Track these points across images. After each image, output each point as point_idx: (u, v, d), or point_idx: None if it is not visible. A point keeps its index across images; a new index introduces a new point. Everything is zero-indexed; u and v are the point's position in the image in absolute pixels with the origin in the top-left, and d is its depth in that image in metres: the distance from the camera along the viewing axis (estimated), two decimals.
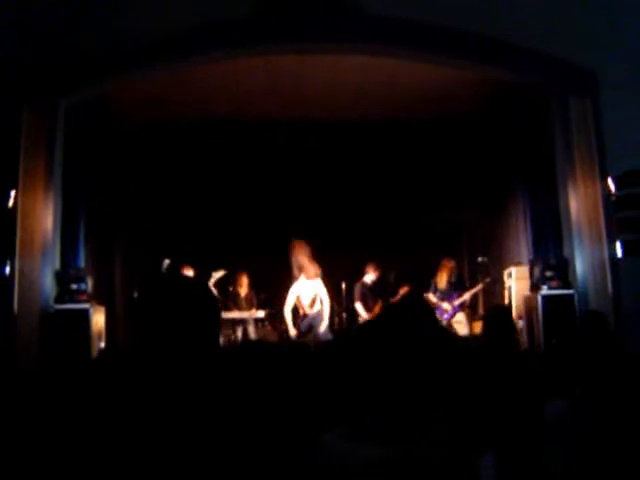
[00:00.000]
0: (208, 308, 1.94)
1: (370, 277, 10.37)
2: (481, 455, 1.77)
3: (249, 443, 1.87)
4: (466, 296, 10.11)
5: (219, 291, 9.95)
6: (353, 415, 1.83)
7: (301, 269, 9.87)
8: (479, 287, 10.33)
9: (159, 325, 1.87)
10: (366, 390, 1.81)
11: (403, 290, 10.21)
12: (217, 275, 9.67)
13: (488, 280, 10.30)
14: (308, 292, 9.99)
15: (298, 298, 10.02)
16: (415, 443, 1.70)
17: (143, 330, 1.89)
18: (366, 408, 1.80)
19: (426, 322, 1.85)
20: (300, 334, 9.94)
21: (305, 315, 10.00)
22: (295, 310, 10.06)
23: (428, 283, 10.30)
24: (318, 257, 10.07)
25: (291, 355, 3.97)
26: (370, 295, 10.30)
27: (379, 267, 10.41)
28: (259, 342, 3.61)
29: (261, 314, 10.32)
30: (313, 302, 10.03)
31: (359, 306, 10.20)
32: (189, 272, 9.53)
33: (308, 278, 9.87)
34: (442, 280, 10.23)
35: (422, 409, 1.76)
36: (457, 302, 10.01)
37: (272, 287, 11.05)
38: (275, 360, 3.79)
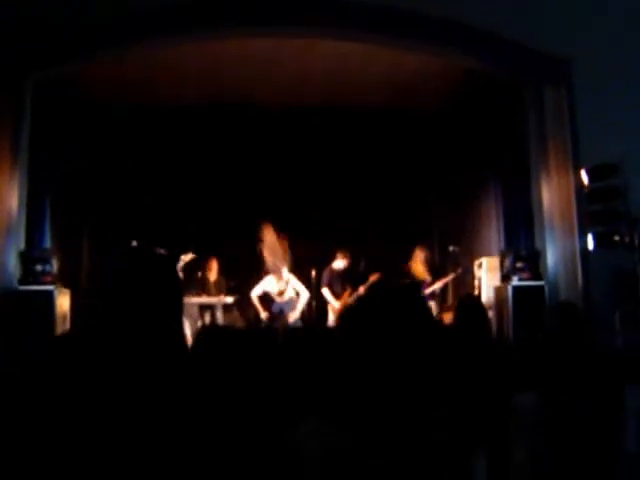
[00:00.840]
0: (168, 288, 1.85)
1: (339, 264, 10.31)
2: (474, 454, 1.71)
3: (220, 430, 1.79)
4: (436, 285, 10.06)
5: (188, 275, 9.84)
6: (327, 403, 1.76)
7: (270, 252, 9.84)
8: (450, 277, 10.28)
9: (118, 305, 1.78)
10: (345, 378, 1.74)
11: (373, 278, 10.16)
12: (186, 258, 9.54)
13: (460, 270, 10.26)
14: (278, 286, 10.04)
15: (267, 289, 10.10)
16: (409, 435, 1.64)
17: (101, 310, 1.81)
18: (343, 396, 1.73)
19: (414, 309, 1.76)
20: (271, 317, 9.93)
21: (273, 300, 10.03)
22: (265, 296, 10.08)
23: (399, 271, 10.23)
24: (288, 244, 10.03)
25: (258, 341, 3.90)
26: (339, 282, 10.26)
27: (349, 254, 10.36)
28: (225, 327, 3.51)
29: (230, 300, 10.21)
30: (282, 293, 10.03)
31: (326, 292, 10.18)
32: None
33: (278, 265, 9.87)
34: (418, 268, 10.17)
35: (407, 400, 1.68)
36: (427, 291, 9.97)
37: (242, 273, 10.95)
38: (242, 346, 3.72)
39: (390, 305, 1.77)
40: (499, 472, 2.74)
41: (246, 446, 1.82)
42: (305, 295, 10.08)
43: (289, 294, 10.12)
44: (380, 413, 1.68)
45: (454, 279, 10.40)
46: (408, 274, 10.14)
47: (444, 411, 1.70)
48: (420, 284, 10.05)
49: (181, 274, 9.42)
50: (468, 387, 2.94)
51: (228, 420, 1.88)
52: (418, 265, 10.12)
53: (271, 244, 9.89)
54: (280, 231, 10.03)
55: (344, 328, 1.85)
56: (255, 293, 10.10)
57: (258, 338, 3.85)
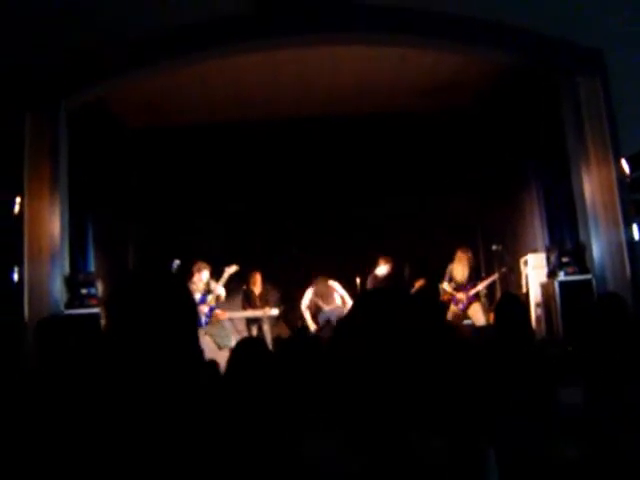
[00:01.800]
0: (181, 305, 1.82)
1: (382, 270, 10.26)
2: (484, 455, 1.65)
3: (230, 442, 1.76)
4: (480, 286, 9.93)
5: (231, 288, 9.87)
6: (338, 418, 1.71)
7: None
8: (494, 277, 10.14)
9: (130, 322, 1.77)
10: (350, 389, 1.68)
11: (419, 283, 10.08)
12: (230, 270, 9.57)
13: (504, 270, 10.12)
14: (324, 292, 10.06)
15: (313, 297, 10.12)
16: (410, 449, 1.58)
17: (115, 328, 1.79)
18: (351, 411, 1.68)
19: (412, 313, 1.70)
20: (319, 329, 9.92)
21: (321, 309, 10.02)
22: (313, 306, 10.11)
23: (443, 274, 10.14)
24: (332, 253, 10.08)
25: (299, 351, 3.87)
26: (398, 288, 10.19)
27: (391, 259, 10.29)
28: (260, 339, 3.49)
29: (275, 312, 10.23)
30: (329, 299, 10.02)
31: None
32: (205, 270, 9.46)
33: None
34: (459, 272, 10.05)
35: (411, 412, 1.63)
36: (472, 292, 9.84)
37: (286, 285, 10.99)
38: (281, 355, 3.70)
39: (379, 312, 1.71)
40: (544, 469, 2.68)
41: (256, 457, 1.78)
42: (350, 302, 10.04)
43: (336, 302, 10.10)
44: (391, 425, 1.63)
45: (499, 278, 10.25)
46: (450, 277, 10.04)
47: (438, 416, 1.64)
48: (459, 286, 9.92)
49: (224, 289, 9.48)
50: (504, 385, 2.89)
51: (255, 432, 1.85)
52: (458, 268, 10.00)
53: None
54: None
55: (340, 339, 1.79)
56: (304, 304, 10.13)
57: (299, 348, 3.81)
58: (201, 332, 9.26)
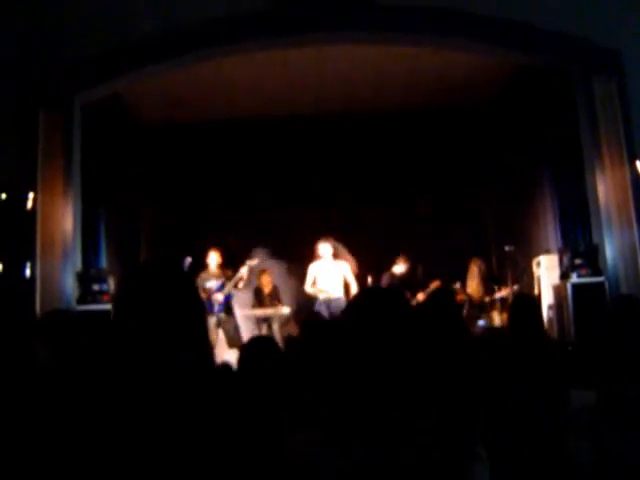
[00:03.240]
0: (185, 302, 1.80)
1: (400, 268, 10.16)
2: (474, 457, 1.63)
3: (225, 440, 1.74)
4: (496, 297, 9.87)
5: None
6: (327, 412, 1.70)
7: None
8: (506, 292, 10.00)
9: (134, 318, 1.75)
10: (343, 383, 1.67)
11: (434, 284, 9.99)
12: (252, 263, 9.61)
13: (516, 287, 9.97)
14: (329, 271, 9.73)
15: (316, 278, 9.80)
16: (399, 446, 1.56)
17: (121, 326, 1.77)
18: (343, 404, 1.66)
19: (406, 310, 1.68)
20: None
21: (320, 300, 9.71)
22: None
23: (455, 274, 10.09)
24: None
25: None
26: (397, 287, 10.09)
27: (410, 259, 10.18)
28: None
29: (286, 311, 10.17)
30: (333, 281, 9.68)
31: None
32: (213, 253, 9.59)
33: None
34: (473, 288, 9.99)
35: (408, 407, 1.61)
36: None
37: (299, 282, 10.95)
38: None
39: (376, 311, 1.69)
40: (558, 471, 2.65)
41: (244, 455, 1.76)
42: (354, 283, 9.70)
43: (339, 291, 9.77)
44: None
45: (512, 291, 10.14)
46: (463, 291, 9.98)
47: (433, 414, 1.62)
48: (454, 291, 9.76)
49: (242, 282, 9.53)
50: (516, 386, 2.87)
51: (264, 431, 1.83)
52: (472, 284, 9.94)
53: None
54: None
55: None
56: (307, 285, 9.82)
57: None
58: (214, 320, 9.29)
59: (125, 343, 1.75)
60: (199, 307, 1.85)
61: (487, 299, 9.91)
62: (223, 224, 11.50)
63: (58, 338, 3.74)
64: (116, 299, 1.83)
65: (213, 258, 9.61)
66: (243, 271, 9.44)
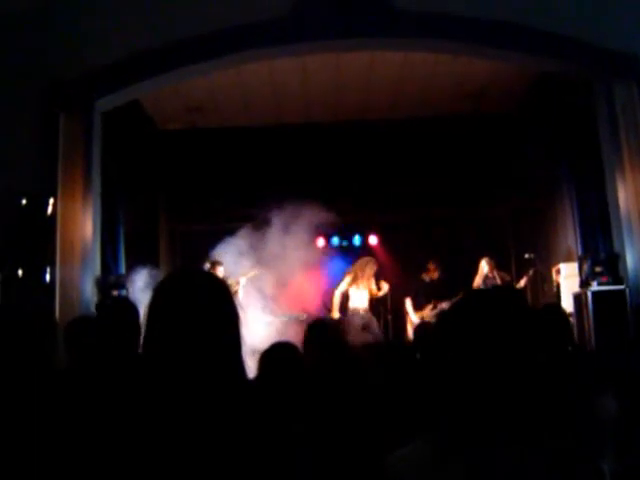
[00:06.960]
0: (222, 310, 1.78)
1: (429, 276, 10.14)
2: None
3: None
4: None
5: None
6: (427, 426, 1.65)
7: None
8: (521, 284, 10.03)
9: (168, 328, 1.73)
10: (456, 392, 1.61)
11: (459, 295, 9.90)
12: (250, 274, 9.64)
13: (526, 278, 9.96)
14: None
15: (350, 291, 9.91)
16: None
17: (152, 334, 1.75)
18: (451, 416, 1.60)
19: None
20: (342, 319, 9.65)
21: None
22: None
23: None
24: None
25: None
26: (423, 295, 10.04)
27: (439, 265, 10.15)
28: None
29: (303, 316, 10.16)
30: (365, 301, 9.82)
31: (409, 303, 9.96)
32: (219, 267, 9.53)
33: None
34: (477, 282, 9.94)
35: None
36: None
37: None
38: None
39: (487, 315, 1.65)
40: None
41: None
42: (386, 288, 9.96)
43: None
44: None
45: (526, 286, 10.13)
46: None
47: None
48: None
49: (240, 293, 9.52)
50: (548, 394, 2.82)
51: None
52: (478, 278, 9.89)
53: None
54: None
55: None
56: (339, 290, 9.91)
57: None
58: None
59: (159, 353, 1.72)
60: (237, 317, 1.82)
61: None
62: (239, 231, 11.50)
63: (83, 345, 3.74)
64: (154, 308, 1.80)
65: (220, 271, 9.52)
66: (242, 282, 9.48)
